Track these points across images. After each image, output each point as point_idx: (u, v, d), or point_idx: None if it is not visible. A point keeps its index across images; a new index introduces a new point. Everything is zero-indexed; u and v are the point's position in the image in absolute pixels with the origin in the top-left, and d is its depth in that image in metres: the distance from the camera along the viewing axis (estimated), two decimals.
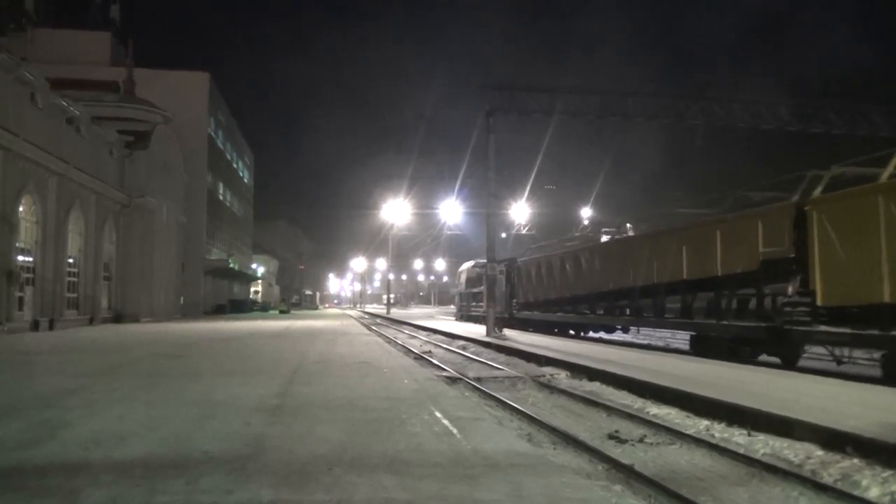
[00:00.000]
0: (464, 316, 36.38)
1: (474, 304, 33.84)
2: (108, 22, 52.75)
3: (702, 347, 14.20)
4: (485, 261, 32.48)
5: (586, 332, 21.64)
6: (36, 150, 25.14)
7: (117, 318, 33.81)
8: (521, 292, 25.96)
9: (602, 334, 21.18)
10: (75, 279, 30.12)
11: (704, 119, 22.63)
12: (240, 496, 4.36)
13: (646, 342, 20.13)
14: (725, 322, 13.50)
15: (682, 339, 18.82)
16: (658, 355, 14.52)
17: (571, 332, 22.21)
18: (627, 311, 18.05)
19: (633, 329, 20.40)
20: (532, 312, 24.78)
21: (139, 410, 7.50)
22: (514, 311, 25.89)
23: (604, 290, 18.87)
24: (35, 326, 25.10)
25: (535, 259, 25.62)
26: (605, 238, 22.34)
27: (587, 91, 22.78)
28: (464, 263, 37.11)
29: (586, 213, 52.42)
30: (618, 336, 21.03)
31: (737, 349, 12.79)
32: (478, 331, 23.27)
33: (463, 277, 37.72)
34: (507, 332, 22.50)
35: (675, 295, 15.81)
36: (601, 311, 19.48)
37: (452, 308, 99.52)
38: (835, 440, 5.93)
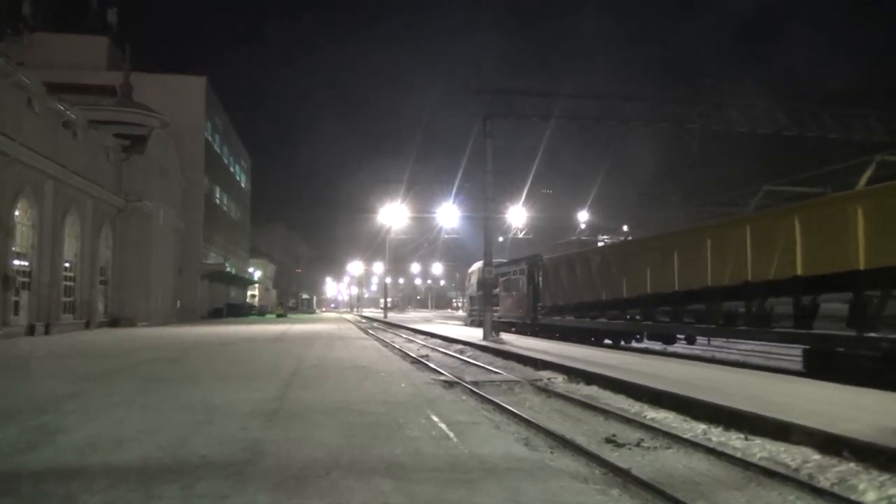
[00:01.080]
0: (476, 322, 32.09)
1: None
2: (106, 26, 52.72)
3: (825, 367, 10.86)
4: (503, 260, 30.58)
5: (628, 341, 19.34)
6: (32, 155, 25.09)
7: (114, 323, 33.72)
8: (547, 295, 23.03)
9: (646, 344, 18.79)
10: (72, 283, 30.04)
11: (701, 123, 22.69)
12: (236, 500, 4.35)
13: (712, 355, 17.15)
14: (875, 334, 10.04)
15: (759, 351, 16.86)
16: (749, 374, 11.29)
17: (608, 340, 19.56)
18: (703, 317, 14.91)
19: (684, 338, 17.72)
20: (563, 318, 21.63)
21: (135, 415, 7.48)
22: (540, 317, 23.35)
23: (666, 292, 15.66)
24: (31, 331, 25.02)
25: (566, 257, 22.59)
26: (601, 243, 22.51)
27: (584, 95, 22.83)
28: (474, 264, 33.77)
29: (583, 216, 52.60)
30: (680, 348, 18.07)
31: (888, 370, 9.60)
32: (477, 335, 23.20)
33: (474, 279, 34.43)
34: (503, 335, 22.45)
35: (780, 297, 12.45)
36: (665, 318, 16.30)
37: (452, 312, 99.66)
38: (832, 444, 5.94)
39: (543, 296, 23.44)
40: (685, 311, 15.59)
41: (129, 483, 4.72)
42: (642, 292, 16.63)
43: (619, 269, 18.04)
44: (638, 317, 17.48)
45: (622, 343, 19.46)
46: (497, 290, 26.68)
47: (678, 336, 17.16)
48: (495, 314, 26.51)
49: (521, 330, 25.00)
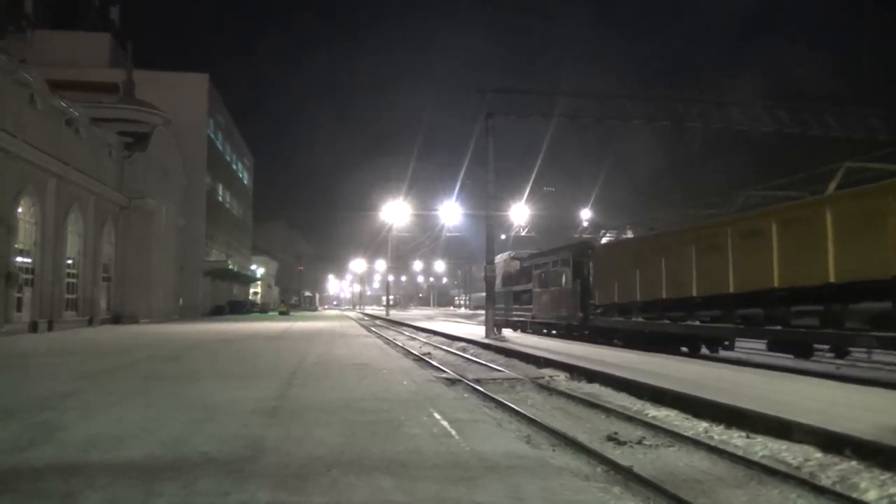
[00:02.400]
0: (501, 322, 27.03)
1: (517, 306, 26.49)
2: (108, 24, 52.76)
3: None
4: (532, 251, 28.25)
5: (713, 349, 15.02)
6: (35, 152, 25.12)
7: (116, 320, 33.78)
8: (602, 290, 18.45)
9: (763, 356, 14.19)
10: (74, 280, 30.10)
11: (702, 121, 22.66)
12: (237, 498, 4.35)
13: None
14: None
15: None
16: None
17: (684, 348, 15.70)
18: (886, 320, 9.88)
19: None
20: (627, 319, 17.09)
21: (137, 412, 7.48)
22: (591, 317, 19.02)
23: (812, 285, 11.06)
24: (34, 328, 25.07)
25: (632, 242, 18.61)
26: (604, 240, 21.63)
27: (585, 94, 22.83)
28: (499, 255, 29.56)
29: (586, 214, 52.57)
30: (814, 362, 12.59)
31: None
32: (482, 333, 23.21)
33: (500, 272, 29.26)
34: (506, 332, 22.46)
35: None
36: (808, 321, 11.33)
37: (454, 310, 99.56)
38: (833, 443, 5.93)
39: (593, 293, 18.92)
40: (847, 311, 10.61)
41: (130, 480, 4.72)
42: (765, 286, 12.17)
43: (721, 255, 13.23)
44: (757, 319, 12.53)
45: (705, 351, 15.34)
46: (530, 285, 24.14)
47: (816, 346, 12.06)
48: (524, 313, 24.88)
49: (565, 334, 20.89)
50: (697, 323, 14.48)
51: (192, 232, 48.30)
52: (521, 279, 26.31)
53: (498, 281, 27.52)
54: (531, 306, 23.96)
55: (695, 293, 14.39)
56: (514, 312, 26.71)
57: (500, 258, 28.84)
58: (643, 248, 17.06)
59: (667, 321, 15.54)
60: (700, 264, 14.27)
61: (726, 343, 14.47)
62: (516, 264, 27.45)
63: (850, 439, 5.81)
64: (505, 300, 27.58)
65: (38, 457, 5.41)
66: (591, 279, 19.42)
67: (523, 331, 25.22)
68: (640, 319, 16.63)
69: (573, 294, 20.26)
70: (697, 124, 22.79)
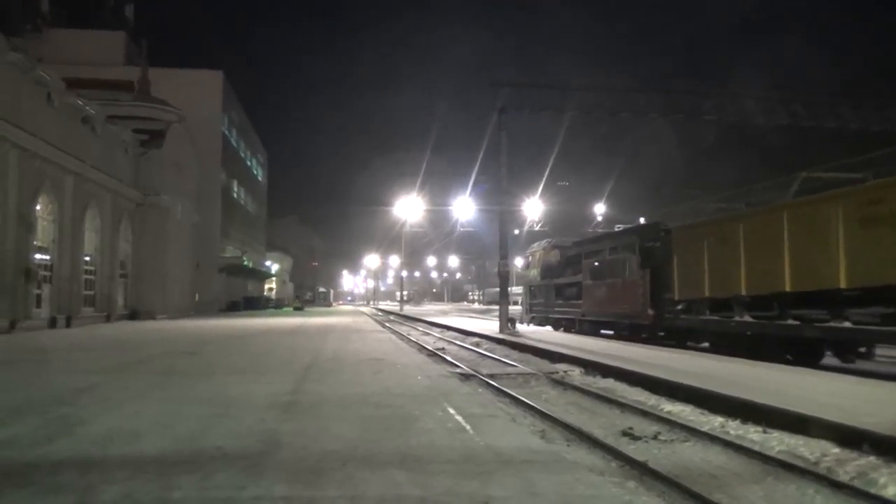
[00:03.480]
0: (539, 319, 24.97)
1: (560, 301, 22.76)
2: (122, 22, 53.12)
3: None
4: (575, 238, 24.72)
5: (845, 357, 11.73)
6: (52, 150, 25.38)
7: (133, 316, 34.09)
8: (683, 283, 14.93)
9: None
10: (92, 277, 30.40)
11: (717, 115, 22.44)
12: (253, 492, 4.38)
13: None
14: None
15: None
16: None
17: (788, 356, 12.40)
18: None
19: None
20: (725, 317, 13.68)
21: (153, 407, 7.55)
22: (667, 315, 15.61)
23: None
24: (53, 324, 25.36)
25: (728, 221, 14.25)
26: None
27: (599, 88, 22.67)
28: (536, 244, 26.82)
29: (600, 209, 52.35)
30: None
31: None
32: (496, 328, 23.17)
33: (537, 262, 25.61)
34: (520, 327, 22.19)
35: None
36: None
37: (468, 305, 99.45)
38: (851, 438, 5.87)
39: (676, 283, 15.15)
40: None
41: (147, 474, 4.76)
42: None
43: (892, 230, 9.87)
44: None
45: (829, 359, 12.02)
46: (578, 277, 20.83)
47: None
48: (573, 311, 21.20)
49: (629, 335, 17.50)
50: (847, 325, 10.72)
51: (207, 228, 48.60)
52: (565, 270, 22.65)
53: (534, 273, 25.34)
54: (580, 302, 20.60)
55: (843, 285, 10.76)
56: (557, 309, 23.06)
57: (537, 247, 26.16)
58: (752, 227, 13.15)
59: (793, 321, 11.85)
60: (851, 243, 10.55)
61: (862, 350, 11.64)
62: (557, 253, 23.74)
63: (867, 434, 5.76)
64: (545, 295, 24.17)
65: (57, 451, 5.48)
66: (666, 268, 15.67)
67: (567, 330, 21.88)
68: (747, 318, 13.01)
69: (640, 287, 16.84)
70: (712, 117, 22.58)
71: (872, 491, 4.85)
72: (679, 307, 15.26)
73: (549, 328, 23.69)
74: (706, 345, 15.11)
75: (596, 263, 19.92)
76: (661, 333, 16.45)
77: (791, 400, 7.27)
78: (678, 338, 15.73)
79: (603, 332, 19.81)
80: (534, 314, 25.76)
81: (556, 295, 23.41)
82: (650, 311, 16.50)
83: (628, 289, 17.63)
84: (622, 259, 18.21)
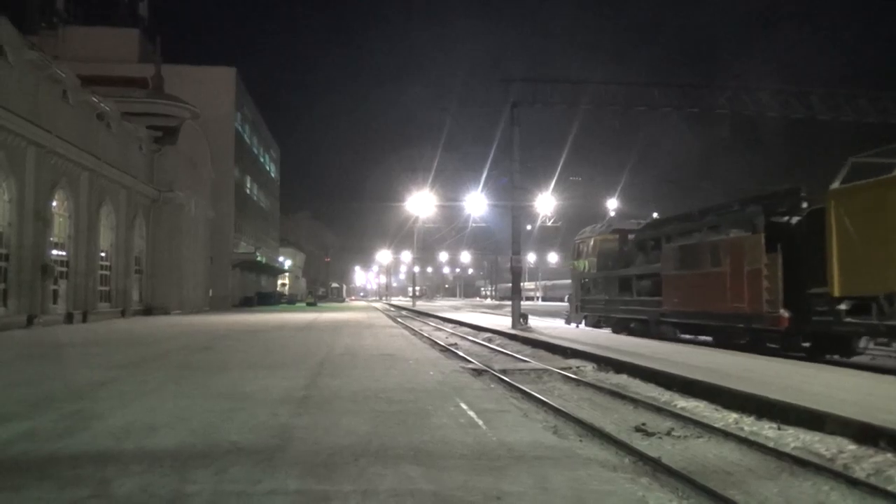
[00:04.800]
0: (595, 319, 21.19)
1: (625, 297, 18.82)
2: (137, 19, 53.43)
3: None
4: (641, 220, 21.34)
5: None
6: (68, 147, 25.60)
7: (148, 311, 34.38)
8: (846, 274, 10.85)
9: None
10: (107, 273, 30.68)
11: (732, 108, 22.25)
12: (267, 486, 4.41)
13: None
14: None
15: None
16: None
17: None
18: None
19: None
20: None
21: (169, 402, 7.61)
22: (816, 317, 11.53)
23: None
24: (69, 319, 25.63)
25: None
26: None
27: (612, 82, 22.55)
28: (586, 229, 23.24)
29: (612, 204, 52.12)
30: None
31: None
32: (508, 324, 23.11)
33: (591, 251, 21.88)
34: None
35: None
36: None
37: (480, 301, 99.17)
38: (867, 434, 5.82)
39: (834, 273, 10.93)
40: None
41: (163, 468, 4.81)
42: None
43: None
44: None
45: None
46: (654, 267, 17.06)
47: None
48: (646, 310, 17.31)
49: (748, 345, 13.30)
50: None
51: (221, 224, 48.89)
52: (631, 259, 18.86)
53: (587, 263, 21.85)
54: (657, 298, 16.58)
55: None
56: (622, 307, 19.08)
57: (590, 232, 22.56)
58: None
59: None
60: None
61: None
62: (619, 239, 20.29)
63: (884, 431, 5.71)
64: (605, 290, 20.26)
65: (74, 444, 5.54)
66: (812, 251, 11.58)
67: (635, 334, 17.73)
68: None
69: (766, 277, 12.44)
70: (726, 111, 22.39)
71: (890, 488, 4.81)
72: (842, 306, 10.99)
73: (605, 331, 19.82)
74: None
75: (685, 248, 15.64)
76: (806, 342, 12.40)
77: None
78: (836, 349, 12.05)
79: (685, 336, 16.29)
80: (587, 313, 21.82)
81: (621, 290, 19.21)
82: (783, 312, 12.02)
83: (744, 280, 13.08)
84: (732, 241, 13.75)
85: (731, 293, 13.51)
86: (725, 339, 14.19)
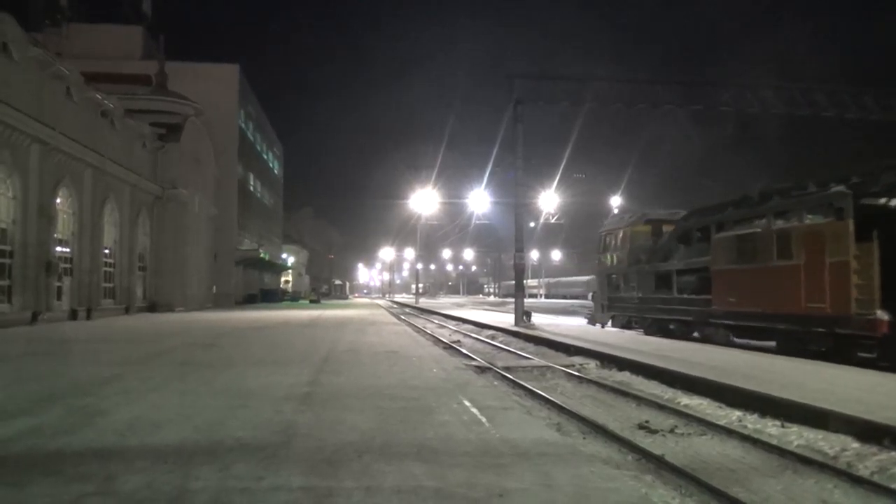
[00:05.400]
0: (625, 320, 19.49)
1: (662, 296, 17.03)
2: (140, 16, 53.46)
3: None
4: (673, 212, 18.65)
5: None
6: (72, 144, 25.65)
7: (152, 308, 34.45)
8: None
9: None
10: (111, 269, 30.74)
11: (736, 106, 22.19)
12: (271, 482, 4.42)
13: None
14: None
15: None
16: None
17: None
18: None
19: None
20: None
21: (173, 398, 7.63)
22: None
23: None
24: (73, 316, 25.70)
25: None
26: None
27: (616, 79, 22.52)
28: (611, 218, 22.17)
29: (616, 202, 52.05)
30: None
31: None
32: (511, 321, 23.11)
33: (619, 243, 19.95)
34: (535, 320, 22.02)
35: None
36: None
37: (483, 298, 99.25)
38: (871, 432, 5.81)
39: None
40: None
41: (167, 464, 4.82)
42: None
43: None
44: None
45: None
46: (702, 260, 15.11)
47: None
48: (691, 309, 15.52)
49: (830, 353, 11.21)
50: None
51: (224, 221, 48.92)
52: (670, 252, 17.00)
53: (615, 257, 19.98)
54: (706, 297, 14.74)
55: None
56: (657, 306, 17.22)
57: (618, 222, 20.80)
58: None
59: None
60: None
61: None
62: (652, 229, 18.62)
63: (888, 429, 5.70)
64: (638, 286, 18.25)
65: (79, 440, 5.56)
66: None
67: (670, 335, 16.36)
68: None
69: (854, 272, 10.50)
70: (730, 108, 22.34)
71: (894, 486, 4.81)
72: None
73: (634, 333, 18.20)
74: None
75: (744, 238, 13.47)
76: None
77: None
78: None
79: (739, 340, 14.11)
80: (615, 312, 20.03)
81: (657, 286, 17.32)
82: (880, 315, 9.99)
83: (824, 276, 11.16)
84: (808, 229, 11.79)
85: (806, 291, 11.54)
86: (795, 345, 11.95)
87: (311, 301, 64.40)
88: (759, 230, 13.02)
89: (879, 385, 8.02)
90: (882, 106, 21.88)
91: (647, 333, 17.47)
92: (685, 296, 15.99)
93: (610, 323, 20.37)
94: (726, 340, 14.22)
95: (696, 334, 15.70)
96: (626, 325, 19.25)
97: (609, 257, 20.65)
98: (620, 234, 19.91)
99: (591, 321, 21.86)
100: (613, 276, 20.31)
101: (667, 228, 18.07)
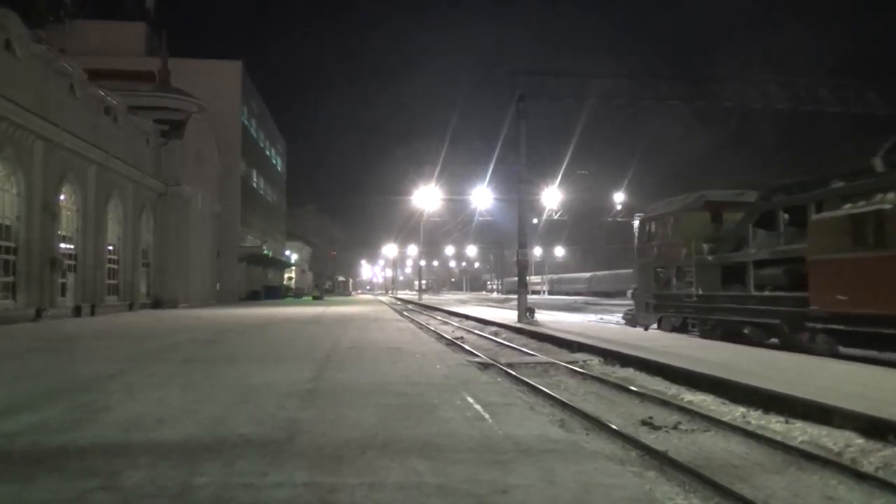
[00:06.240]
0: (678, 321, 16.72)
1: (735, 292, 14.52)
2: (143, 12, 53.49)
3: None
4: (738, 192, 16.03)
5: None
6: (75, 140, 25.69)
7: (156, 304, 34.53)
8: None
9: None
10: (115, 266, 30.82)
11: (739, 101, 22.11)
12: (275, 478, 4.43)
13: None
14: None
15: None
16: None
17: None
18: None
19: None
20: None
21: (177, 394, 7.64)
22: None
23: None
24: (77, 312, 25.76)
25: None
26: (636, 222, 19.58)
27: (619, 75, 22.45)
28: (660, 203, 18.94)
29: (619, 198, 51.97)
30: None
31: None
32: (515, 318, 23.08)
33: (668, 230, 17.56)
34: (538, 317, 22.00)
35: None
36: None
37: (486, 294, 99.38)
38: (876, 428, 5.80)
39: None
40: None
41: (171, 460, 4.83)
42: None
43: None
44: None
45: None
46: (792, 247, 12.64)
47: None
48: (787, 310, 12.45)
49: None
50: None
51: (227, 218, 49.00)
52: (741, 239, 14.47)
53: (658, 250, 17.79)
54: (798, 294, 12.16)
55: None
56: (726, 305, 14.64)
57: (672, 205, 17.67)
58: None
59: None
60: None
61: None
62: (707, 216, 16.25)
63: (893, 425, 5.68)
64: (700, 281, 15.61)
65: (83, 436, 5.57)
66: None
67: (744, 341, 13.45)
68: None
69: None
70: (733, 104, 22.25)
71: None
72: None
73: (688, 337, 15.51)
74: None
75: (860, 219, 10.76)
76: None
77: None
78: None
79: (848, 349, 11.37)
80: (665, 312, 17.38)
81: (725, 281, 14.91)
82: None
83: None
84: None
85: None
86: None
87: (314, 298, 64.47)
88: (887, 207, 10.24)
89: (884, 381, 7.99)
90: (886, 102, 21.78)
91: (706, 337, 15.01)
92: (767, 293, 13.38)
93: (656, 325, 17.91)
94: (829, 350, 11.46)
95: (775, 340, 13.14)
96: (680, 328, 16.58)
97: (656, 248, 18.18)
98: (672, 221, 17.29)
99: (631, 322, 19.52)
100: (662, 270, 17.88)
101: (729, 213, 15.71)
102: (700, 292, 15.58)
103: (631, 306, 21.12)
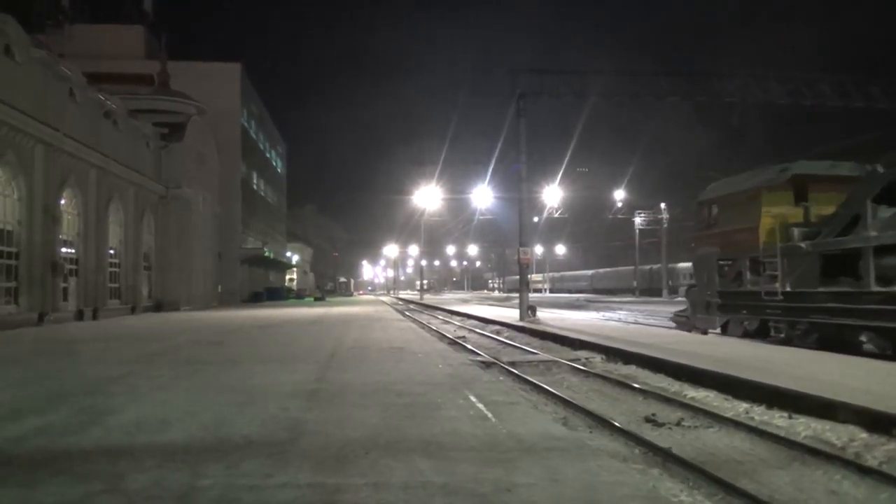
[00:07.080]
0: (754, 325, 13.85)
1: (841, 289, 11.26)
2: (142, 15, 53.52)
3: None
4: (832, 163, 13.33)
5: None
6: (76, 144, 25.71)
7: (158, 307, 34.55)
8: None
9: None
10: (117, 269, 30.84)
11: (740, 97, 22.07)
12: (279, 479, 4.43)
13: None
14: None
15: None
16: None
17: None
18: None
19: None
20: None
21: (180, 396, 7.65)
22: None
23: None
24: (79, 316, 25.79)
25: None
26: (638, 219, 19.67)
27: (620, 72, 22.44)
28: (724, 181, 16.04)
29: (619, 195, 51.98)
30: None
31: None
32: (516, 316, 23.09)
33: (741, 214, 14.23)
34: (539, 315, 21.97)
35: None
36: None
37: (487, 293, 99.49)
38: (880, 423, 5.79)
39: None
40: None
41: (175, 462, 4.83)
42: None
43: None
44: None
45: None
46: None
47: None
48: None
49: None
50: None
51: (228, 220, 49.03)
52: (854, 220, 11.18)
53: (723, 237, 14.78)
54: None
55: None
56: (828, 305, 11.41)
57: (727, 184, 15.49)
58: None
59: None
60: None
61: None
62: (790, 194, 13.39)
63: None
64: (788, 273, 12.59)
65: (87, 439, 5.58)
66: None
67: (853, 352, 10.63)
68: None
69: None
70: (735, 99, 22.22)
71: None
72: None
73: (767, 344, 12.46)
74: None
75: None
76: None
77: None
78: None
79: None
80: (735, 313, 14.44)
81: (826, 274, 11.79)
82: None
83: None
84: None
85: None
86: None
87: (316, 299, 64.49)
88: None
89: (889, 375, 7.98)
90: (888, 96, 21.74)
91: (796, 345, 11.89)
92: None
93: (719, 329, 15.09)
94: None
95: None
96: (756, 333, 13.72)
97: (720, 236, 14.95)
98: (744, 201, 14.12)
99: (686, 326, 16.21)
100: (728, 262, 14.94)
101: (820, 190, 12.91)
102: (787, 288, 12.50)
103: (683, 306, 17.59)
